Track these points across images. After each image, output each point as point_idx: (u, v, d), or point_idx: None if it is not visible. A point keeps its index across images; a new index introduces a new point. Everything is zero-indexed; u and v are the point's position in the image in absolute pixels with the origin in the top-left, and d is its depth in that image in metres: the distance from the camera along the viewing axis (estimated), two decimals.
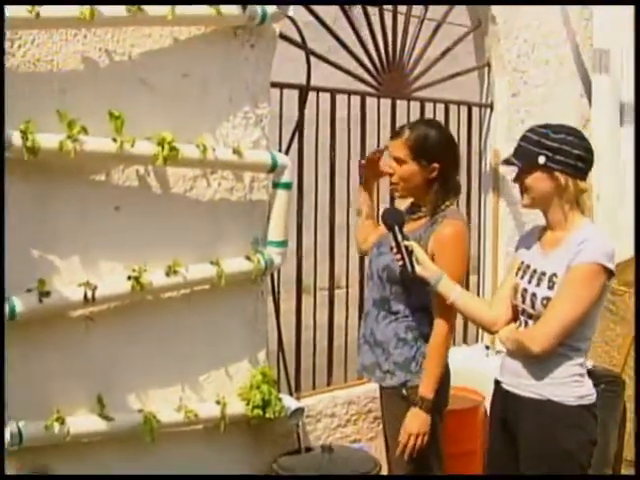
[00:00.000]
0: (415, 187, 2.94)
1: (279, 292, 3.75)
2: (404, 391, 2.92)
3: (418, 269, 2.78)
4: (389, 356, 2.94)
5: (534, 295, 2.61)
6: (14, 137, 2.78)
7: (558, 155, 2.56)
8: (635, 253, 2.51)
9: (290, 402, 3.55)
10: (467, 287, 4.26)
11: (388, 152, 3.00)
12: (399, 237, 2.78)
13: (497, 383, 2.78)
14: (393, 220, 2.83)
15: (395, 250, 2.79)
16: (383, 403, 3.08)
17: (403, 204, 3.10)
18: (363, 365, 3.04)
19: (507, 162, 2.67)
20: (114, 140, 2.98)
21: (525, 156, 2.60)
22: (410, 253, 2.77)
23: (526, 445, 2.62)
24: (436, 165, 2.91)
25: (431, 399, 2.85)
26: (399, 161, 2.93)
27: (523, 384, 2.65)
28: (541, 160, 2.57)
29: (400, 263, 2.78)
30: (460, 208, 3.38)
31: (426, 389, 2.85)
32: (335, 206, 4.04)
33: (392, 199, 3.48)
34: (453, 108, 4.62)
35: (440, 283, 2.77)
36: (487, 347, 4.50)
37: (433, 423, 2.87)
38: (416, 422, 2.85)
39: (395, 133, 3.00)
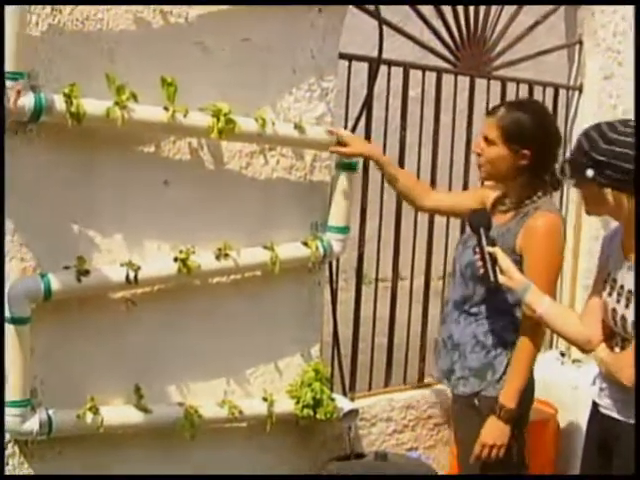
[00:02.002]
0: (501, 173, 2.84)
1: (337, 282, 3.69)
2: (476, 401, 2.85)
3: (502, 279, 2.65)
4: (464, 361, 2.88)
5: (623, 318, 2.50)
6: (57, 101, 2.73)
7: (608, 170, 2.42)
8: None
9: (343, 403, 3.51)
10: None
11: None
12: (483, 242, 2.69)
13: (595, 405, 2.68)
14: (479, 223, 2.74)
15: (478, 256, 2.69)
16: (455, 412, 3.01)
17: (491, 195, 3.00)
18: (441, 370, 2.99)
19: (562, 172, 2.54)
20: (165, 109, 2.93)
21: (575, 168, 2.49)
22: (494, 261, 2.66)
23: (624, 469, 2.52)
24: (527, 152, 2.79)
25: (511, 408, 2.75)
26: (489, 142, 2.83)
27: (622, 409, 2.55)
28: (589, 174, 2.44)
29: (482, 270, 2.68)
30: None
31: (507, 397, 2.76)
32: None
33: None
34: (537, 90, 4.45)
35: (527, 294, 2.65)
36: (562, 354, 4.34)
37: (512, 436, 2.77)
38: (493, 432, 2.76)
39: (490, 110, 2.93)
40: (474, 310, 2.86)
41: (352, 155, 3.32)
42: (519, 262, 2.74)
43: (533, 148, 2.77)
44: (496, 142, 2.80)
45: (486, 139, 2.83)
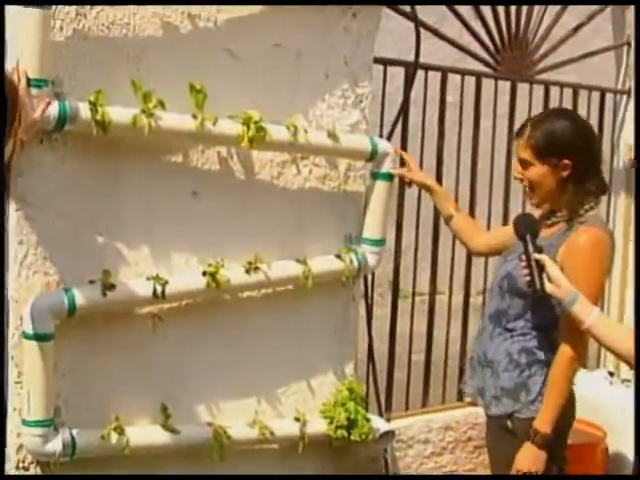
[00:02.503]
0: (549, 192, 2.77)
1: (372, 297, 3.71)
2: (509, 423, 2.79)
3: (549, 287, 2.59)
4: (497, 379, 2.83)
5: None
6: (82, 109, 2.74)
7: None
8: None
9: (379, 423, 3.48)
10: None
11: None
12: (530, 248, 2.63)
13: None
14: (525, 229, 2.69)
15: (524, 263, 2.64)
16: (488, 433, 2.97)
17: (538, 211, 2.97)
18: (475, 388, 2.95)
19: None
20: (194, 117, 2.93)
21: None
22: (541, 268, 2.60)
23: None
24: (567, 162, 2.73)
25: (546, 433, 2.68)
26: (525, 164, 2.78)
27: None
28: None
29: (528, 278, 2.62)
30: None
31: (541, 421, 2.69)
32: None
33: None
34: (583, 94, 4.42)
35: (575, 304, 2.58)
36: (611, 373, 4.27)
37: (550, 459, 2.70)
38: (527, 458, 2.70)
39: (517, 132, 2.86)
40: (510, 326, 2.80)
41: (414, 183, 3.36)
42: None
43: (571, 155, 2.72)
44: (532, 162, 2.75)
45: (522, 162, 2.79)
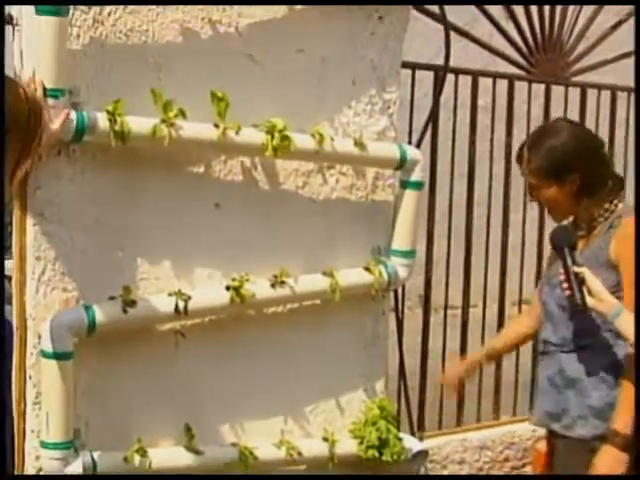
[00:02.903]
0: (565, 207, 2.80)
1: (403, 311, 3.74)
2: (596, 444, 2.70)
3: (590, 301, 2.56)
4: (584, 399, 2.76)
5: None
6: (100, 119, 2.75)
7: None
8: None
9: (412, 443, 3.47)
10: None
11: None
12: (569, 261, 2.63)
13: None
14: (562, 241, 2.69)
15: (563, 277, 2.62)
16: (560, 457, 2.87)
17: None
18: (546, 412, 2.87)
19: None
20: (216, 126, 2.93)
21: None
22: (581, 282, 2.58)
23: None
24: (574, 175, 2.75)
25: (626, 435, 2.63)
26: (535, 187, 2.81)
27: None
28: None
29: (568, 292, 2.61)
30: None
31: (620, 422, 2.64)
32: (473, 211, 3.99)
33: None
34: (621, 96, 4.39)
35: (619, 319, 2.55)
36: None
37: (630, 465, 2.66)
38: (607, 462, 2.65)
39: (517, 157, 2.90)
40: (588, 342, 2.75)
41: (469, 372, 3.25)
42: (615, 270, 2.69)
43: (576, 167, 2.73)
44: (540, 185, 2.77)
45: (530, 186, 2.82)
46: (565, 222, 2.90)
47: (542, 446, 2.95)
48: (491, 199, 4.00)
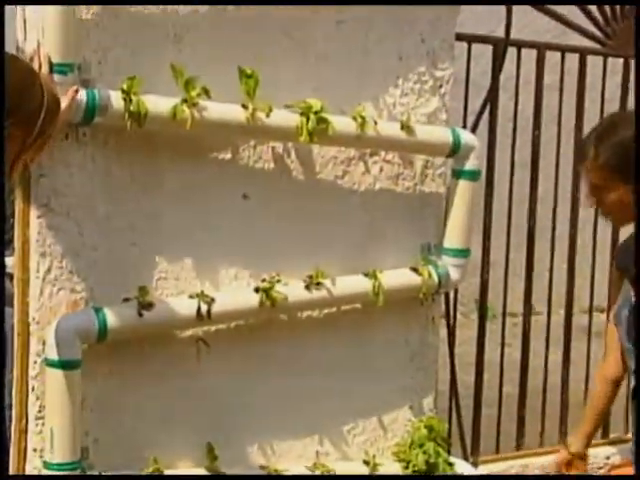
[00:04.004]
0: (631, 212, 2.66)
1: (455, 318, 3.71)
2: None
3: None
4: None
5: None
6: (113, 98, 2.76)
7: None
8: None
9: (464, 468, 3.48)
10: None
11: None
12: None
13: None
14: (628, 264, 2.65)
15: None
16: None
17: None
18: None
19: None
20: (244, 107, 2.95)
21: None
22: None
23: None
24: None
25: None
26: (599, 189, 2.69)
27: None
28: None
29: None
30: None
31: None
32: (536, 205, 3.92)
33: None
34: None
35: None
36: None
37: None
38: None
39: (579, 154, 2.83)
40: None
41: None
42: None
43: None
44: (607, 185, 2.66)
45: (594, 188, 2.70)
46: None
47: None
48: (557, 192, 3.94)
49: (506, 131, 3.75)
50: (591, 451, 3.65)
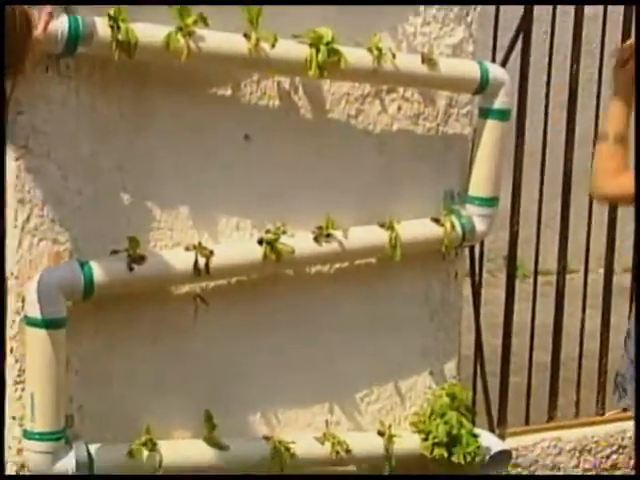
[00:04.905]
0: None
1: (481, 275, 3.72)
2: None
3: None
4: None
5: None
6: (99, 25, 2.74)
7: None
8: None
9: (490, 441, 3.49)
10: None
11: None
12: None
13: None
14: None
15: None
16: None
17: None
18: None
19: None
20: (246, 36, 2.94)
21: None
22: None
23: None
24: None
25: None
26: None
27: None
28: None
29: None
30: None
31: None
32: (573, 150, 3.91)
33: None
34: None
35: None
36: None
37: None
38: None
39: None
40: None
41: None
42: None
43: None
44: None
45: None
46: None
47: None
48: (597, 136, 3.87)
49: (540, 67, 3.75)
50: (631, 423, 3.67)
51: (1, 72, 2.33)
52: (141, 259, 2.88)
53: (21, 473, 2.86)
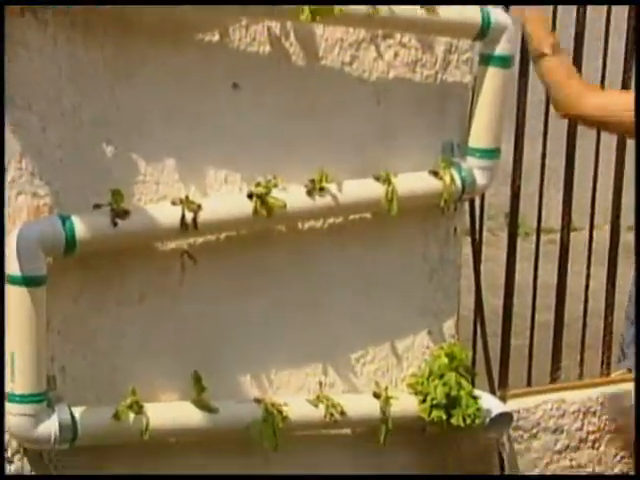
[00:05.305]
0: None
1: (481, 232, 3.72)
2: None
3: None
4: None
5: None
6: None
7: None
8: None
9: (491, 403, 3.51)
10: None
11: None
12: None
13: None
14: None
15: None
16: None
17: None
18: None
19: None
20: None
21: None
22: None
23: None
24: None
25: None
26: None
27: None
28: None
29: None
30: None
31: None
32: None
33: None
34: None
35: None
36: None
37: None
38: None
39: None
40: None
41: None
42: None
43: None
44: None
45: None
46: None
47: None
48: (604, 83, 3.90)
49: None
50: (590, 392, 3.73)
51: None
52: (125, 214, 2.86)
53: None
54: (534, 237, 4.02)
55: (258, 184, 3.06)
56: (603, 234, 4.12)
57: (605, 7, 3.91)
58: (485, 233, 3.78)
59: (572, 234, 3.96)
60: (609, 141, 3.90)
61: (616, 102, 3.15)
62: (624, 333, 3.50)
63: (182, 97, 2.99)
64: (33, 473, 2.92)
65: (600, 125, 3.36)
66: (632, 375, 3.58)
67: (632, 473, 2.85)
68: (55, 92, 2.81)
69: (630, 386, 3.59)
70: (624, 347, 3.60)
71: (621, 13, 3.95)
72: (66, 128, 2.84)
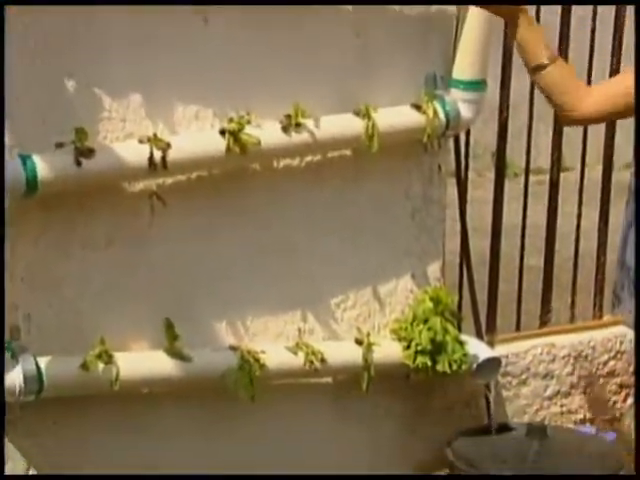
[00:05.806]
0: None
1: (467, 170, 3.71)
2: None
3: None
4: None
5: None
6: None
7: None
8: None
9: (478, 348, 3.53)
10: None
11: None
12: None
13: None
14: None
15: None
16: None
17: None
18: None
19: None
20: None
21: None
22: None
23: None
24: None
25: None
26: None
27: None
28: None
29: None
30: None
31: None
32: (569, 28, 3.86)
33: None
34: None
35: None
36: None
37: None
38: None
39: None
40: None
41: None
42: None
43: None
44: None
45: None
46: None
47: None
48: (596, 13, 3.88)
49: None
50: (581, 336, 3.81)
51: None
52: (90, 152, 2.86)
53: None
54: (523, 178, 4.01)
55: (231, 120, 3.05)
56: (596, 174, 4.12)
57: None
58: (471, 173, 3.78)
59: (563, 174, 3.96)
60: (602, 72, 3.90)
61: (615, 90, 3.10)
62: (616, 278, 3.50)
63: (148, 27, 2.98)
64: None
65: (613, 116, 3.35)
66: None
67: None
68: (10, 22, 2.71)
69: (625, 329, 3.61)
70: (618, 291, 3.60)
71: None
72: (25, 61, 2.80)
